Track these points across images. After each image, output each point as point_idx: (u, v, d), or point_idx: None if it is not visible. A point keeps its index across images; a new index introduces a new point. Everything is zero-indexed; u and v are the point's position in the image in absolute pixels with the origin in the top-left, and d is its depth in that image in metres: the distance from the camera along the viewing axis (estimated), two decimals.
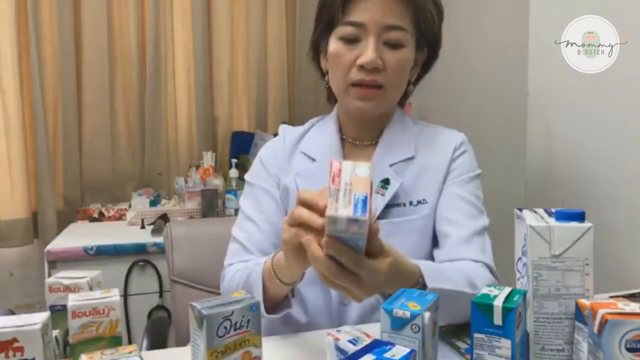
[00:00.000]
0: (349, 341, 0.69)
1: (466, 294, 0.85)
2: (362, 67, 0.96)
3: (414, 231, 0.99)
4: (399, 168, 1.01)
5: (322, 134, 1.08)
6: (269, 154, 1.10)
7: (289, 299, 0.90)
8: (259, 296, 0.87)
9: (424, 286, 0.81)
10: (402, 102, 1.11)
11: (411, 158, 1.03)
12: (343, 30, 0.97)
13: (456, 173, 1.03)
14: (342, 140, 1.07)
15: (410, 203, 1.00)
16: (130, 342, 1.85)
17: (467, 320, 0.75)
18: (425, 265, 0.84)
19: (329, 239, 0.68)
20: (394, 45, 0.96)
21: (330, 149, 1.05)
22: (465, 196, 1.01)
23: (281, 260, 0.83)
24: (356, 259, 0.70)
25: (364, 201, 0.64)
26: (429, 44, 1.05)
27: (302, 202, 0.73)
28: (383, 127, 1.06)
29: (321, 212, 0.70)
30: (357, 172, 0.66)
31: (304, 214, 0.72)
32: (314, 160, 1.05)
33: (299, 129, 1.11)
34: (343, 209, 0.63)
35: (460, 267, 0.92)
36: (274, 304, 0.90)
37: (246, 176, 1.11)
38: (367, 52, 0.95)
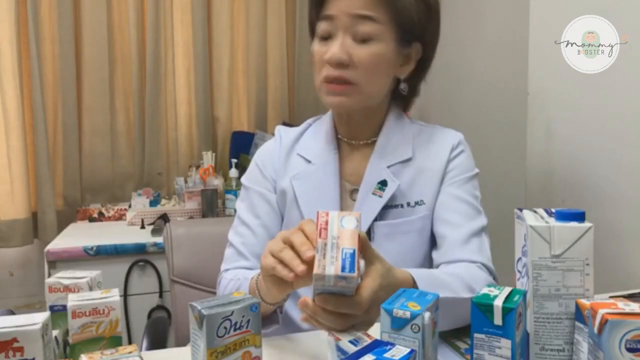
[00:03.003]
0: (350, 341, 0.69)
1: (464, 299, 0.84)
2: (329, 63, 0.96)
3: (412, 232, 0.99)
4: (396, 169, 1.01)
5: (318, 134, 1.07)
6: (264, 157, 1.09)
7: (277, 314, 0.90)
8: None
9: None
10: (407, 101, 1.09)
11: (409, 159, 1.02)
12: (320, 28, 0.98)
13: (453, 173, 1.02)
14: (338, 140, 1.07)
15: (408, 204, 1.00)
16: (130, 342, 1.85)
17: (466, 323, 0.75)
18: (418, 274, 0.82)
19: (320, 298, 0.68)
20: (364, 40, 0.94)
21: (326, 150, 1.04)
22: (463, 196, 1.00)
23: (263, 283, 0.82)
24: (351, 303, 0.69)
25: (352, 256, 0.63)
26: (419, 39, 1.00)
27: (290, 244, 0.73)
28: (379, 127, 1.05)
29: (304, 261, 0.69)
30: (344, 225, 0.65)
31: (287, 256, 0.72)
32: (309, 162, 1.04)
33: (295, 130, 1.11)
34: (331, 266, 0.62)
35: (457, 271, 0.91)
36: (262, 319, 0.90)
37: (242, 179, 1.10)
38: (332, 47, 0.94)
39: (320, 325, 0.71)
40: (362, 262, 0.68)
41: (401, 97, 1.07)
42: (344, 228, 0.65)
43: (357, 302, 0.69)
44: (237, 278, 0.96)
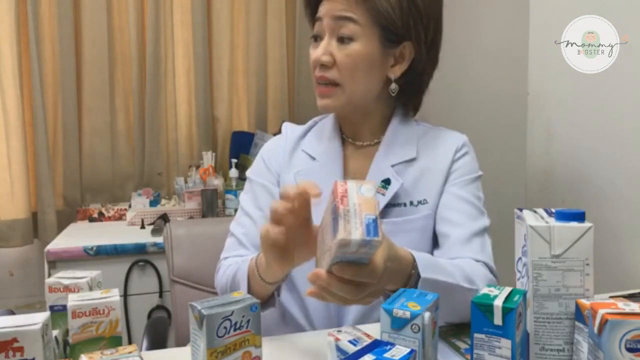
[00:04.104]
0: (350, 341, 0.69)
1: (462, 287, 0.86)
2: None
3: (414, 231, 0.99)
4: (400, 168, 1.01)
5: (323, 133, 1.08)
6: (270, 151, 1.10)
7: (274, 297, 0.91)
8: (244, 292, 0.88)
9: (417, 277, 0.80)
10: (413, 102, 1.08)
11: (413, 159, 1.02)
12: (314, 29, 1.01)
13: (457, 174, 1.03)
14: (343, 140, 1.07)
15: (411, 203, 1.00)
16: (130, 342, 1.85)
17: (465, 319, 0.75)
18: (419, 255, 0.83)
19: (338, 267, 0.67)
20: (345, 40, 0.96)
21: (331, 148, 1.05)
22: (466, 197, 1.01)
23: (263, 259, 0.83)
24: (368, 271, 0.69)
25: (375, 222, 0.63)
26: (407, 38, 0.98)
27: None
28: (384, 128, 1.06)
29: (291, 197, 0.74)
30: (363, 192, 0.65)
31: (274, 203, 0.76)
32: (314, 159, 1.05)
33: (302, 127, 1.12)
34: (356, 231, 0.62)
35: (457, 262, 0.92)
36: (260, 301, 0.90)
37: (247, 172, 1.12)
38: (318, 49, 0.98)
39: (333, 298, 0.71)
40: (382, 228, 0.68)
41: (406, 98, 1.07)
42: (363, 196, 0.65)
43: (373, 270, 0.69)
44: (235, 262, 0.97)
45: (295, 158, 1.07)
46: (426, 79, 1.06)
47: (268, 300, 0.91)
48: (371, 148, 1.05)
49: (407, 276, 0.81)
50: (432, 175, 1.02)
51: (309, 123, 1.13)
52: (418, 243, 0.99)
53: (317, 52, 0.97)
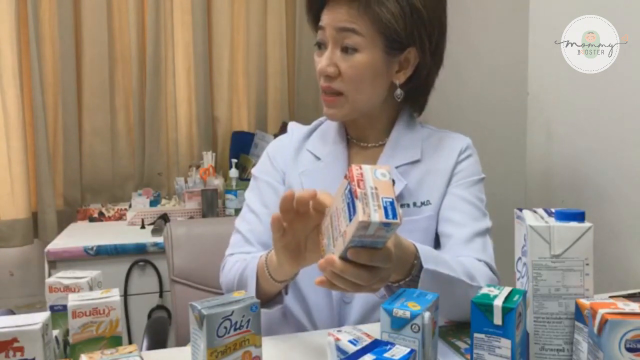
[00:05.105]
0: (350, 341, 0.69)
1: (464, 282, 0.86)
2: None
3: (417, 231, 0.99)
4: (404, 170, 1.02)
5: (328, 133, 1.09)
6: (276, 149, 1.11)
7: (282, 295, 0.91)
8: (252, 290, 0.88)
9: (419, 268, 0.80)
10: (420, 102, 1.09)
11: (417, 161, 1.03)
12: (317, 36, 1.00)
13: (460, 176, 1.03)
14: (348, 140, 1.08)
15: (414, 204, 1.01)
16: (130, 342, 1.85)
17: (465, 317, 0.75)
18: (421, 246, 0.83)
19: (354, 251, 0.67)
20: (349, 51, 0.95)
21: (336, 149, 1.06)
22: (469, 198, 1.02)
23: (274, 258, 0.83)
24: (382, 255, 0.69)
25: (392, 204, 0.63)
26: (410, 45, 0.98)
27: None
28: (389, 130, 1.06)
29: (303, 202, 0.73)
30: (379, 176, 0.65)
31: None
32: (319, 159, 1.06)
33: (307, 127, 1.12)
34: (375, 214, 0.62)
35: (459, 259, 0.93)
36: (267, 299, 0.91)
37: (253, 170, 1.12)
38: (322, 59, 0.98)
39: (344, 284, 0.70)
40: (400, 211, 0.68)
41: (412, 100, 1.07)
42: (379, 179, 0.65)
43: (387, 253, 0.69)
44: (243, 259, 0.97)
45: (300, 158, 1.07)
46: (431, 80, 1.06)
47: (275, 298, 0.91)
48: (376, 149, 1.06)
49: (409, 266, 0.81)
50: (436, 177, 1.03)
51: (315, 123, 1.13)
52: (421, 243, 1.00)
53: (322, 63, 0.97)
